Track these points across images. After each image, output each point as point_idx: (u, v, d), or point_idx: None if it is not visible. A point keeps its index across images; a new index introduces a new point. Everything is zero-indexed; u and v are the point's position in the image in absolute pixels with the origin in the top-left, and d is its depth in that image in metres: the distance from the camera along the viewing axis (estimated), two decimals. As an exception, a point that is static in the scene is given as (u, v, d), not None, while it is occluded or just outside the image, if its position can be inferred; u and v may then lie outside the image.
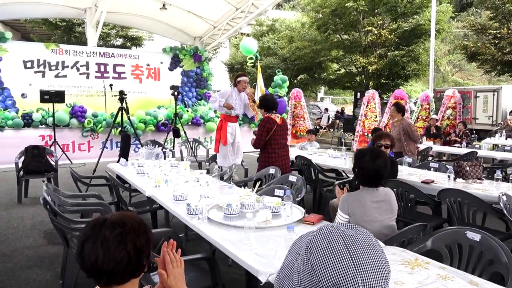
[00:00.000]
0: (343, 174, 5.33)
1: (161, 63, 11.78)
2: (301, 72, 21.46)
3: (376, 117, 11.68)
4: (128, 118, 6.70)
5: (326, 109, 20.22)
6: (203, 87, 12.45)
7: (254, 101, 5.51)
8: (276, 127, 4.49)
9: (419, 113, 11.65)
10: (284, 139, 4.67)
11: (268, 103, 4.61)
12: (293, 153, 5.89)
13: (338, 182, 3.96)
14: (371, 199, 2.39)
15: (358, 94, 13.77)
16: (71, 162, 8.45)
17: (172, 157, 5.05)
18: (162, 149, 5.39)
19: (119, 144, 8.91)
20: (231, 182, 3.52)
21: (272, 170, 4.06)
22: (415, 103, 15.53)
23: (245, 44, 7.12)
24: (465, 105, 12.41)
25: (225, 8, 10.63)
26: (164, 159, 4.55)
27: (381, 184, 2.43)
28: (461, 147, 8.73)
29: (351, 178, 4.36)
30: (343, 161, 5.23)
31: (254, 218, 2.23)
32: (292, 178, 3.58)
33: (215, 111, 10.57)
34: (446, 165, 4.56)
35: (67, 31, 19.22)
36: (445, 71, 31.86)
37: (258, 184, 2.90)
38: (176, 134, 7.08)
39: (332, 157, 5.65)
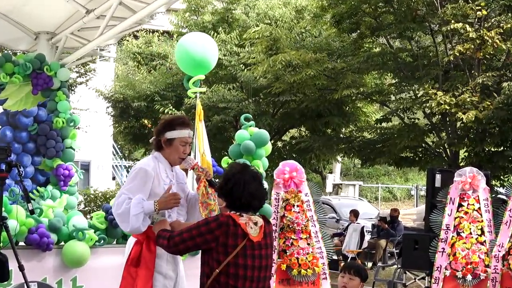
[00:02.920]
0: None
1: None
2: (295, 122, 22.36)
3: (483, 233, 11.91)
4: None
5: (355, 213, 20.56)
6: (52, 154, 12.52)
7: (212, 185, 5.75)
8: (246, 244, 4.86)
9: None
10: (266, 281, 5.07)
11: (241, 191, 4.94)
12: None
13: None
14: None
15: (437, 176, 14.09)
16: None
17: None
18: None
19: None
20: None
21: None
22: None
23: (188, 46, 7.56)
24: None
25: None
26: None
27: None
28: None
29: None
30: None
31: None
32: None
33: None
34: None
35: None
36: None
37: None
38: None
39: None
